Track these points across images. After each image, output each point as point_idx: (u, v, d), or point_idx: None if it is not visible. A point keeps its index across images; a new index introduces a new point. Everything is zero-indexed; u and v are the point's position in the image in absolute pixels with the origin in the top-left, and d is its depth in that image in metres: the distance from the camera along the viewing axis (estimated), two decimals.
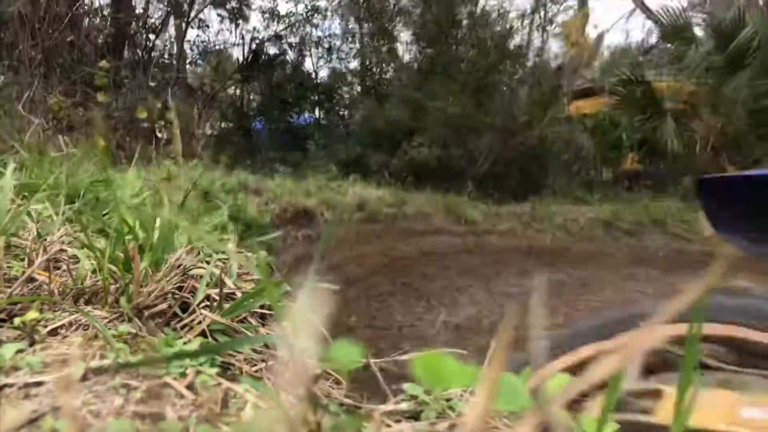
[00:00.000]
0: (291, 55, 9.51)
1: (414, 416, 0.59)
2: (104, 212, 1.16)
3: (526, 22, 9.00)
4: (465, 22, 8.32)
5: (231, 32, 9.11)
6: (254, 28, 9.00)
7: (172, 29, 9.31)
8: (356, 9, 8.95)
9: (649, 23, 9.39)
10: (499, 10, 8.72)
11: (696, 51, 7.82)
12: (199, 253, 1.01)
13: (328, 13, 9.11)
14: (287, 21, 8.92)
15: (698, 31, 8.72)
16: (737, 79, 7.29)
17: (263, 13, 8.87)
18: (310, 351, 0.41)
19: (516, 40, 8.89)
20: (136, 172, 1.39)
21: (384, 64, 8.77)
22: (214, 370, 0.59)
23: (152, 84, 6.52)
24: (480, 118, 7.94)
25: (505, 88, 8.26)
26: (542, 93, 8.02)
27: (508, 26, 8.41)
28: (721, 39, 7.29)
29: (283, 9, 8.89)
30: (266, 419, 0.43)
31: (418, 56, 8.78)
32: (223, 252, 1.05)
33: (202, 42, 8.89)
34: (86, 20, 6.33)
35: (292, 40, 9.31)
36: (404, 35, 9.24)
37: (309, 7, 8.91)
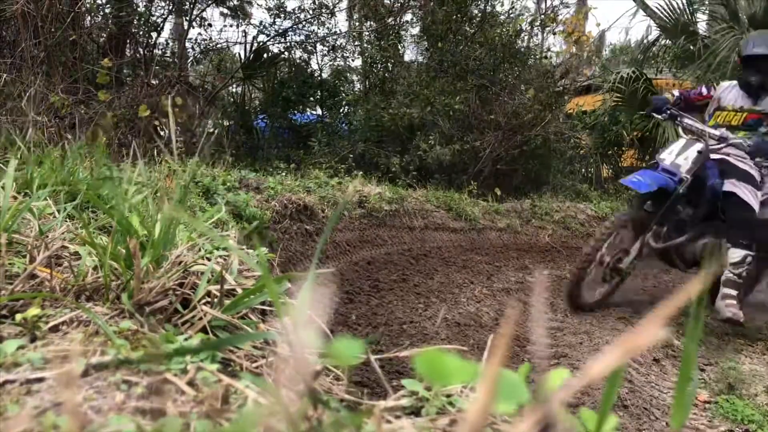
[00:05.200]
0: (297, 53, 9.46)
1: (414, 412, 0.59)
2: (105, 209, 1.17)
3: (531, 20, 8.97)
4: (476, 20, 8.32)
5: (235, 27, 9.10)
6: (261, 22, 8.93)
7: (173, 27, 9.33)
8: (362, 6, 8.92)
9: (649, 21, 9.34)
10: (509, 10, 8.72)
11: (703, 49, 7.79)
12: (199, 249, 1.02)
13: (334, 11, 9.04)
14: (293, 18, 8.86)
15: (700, 27, 8.71)
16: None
17: (269, 9, 8.82)
18: (310, 347, 0.42)
19: (522, 39, 8.88)
20: (137, 169, 1.40)
21: (389, 63, 8.74)
22: (215, 367, 0.60)
23: (154, 82, 6.52)
24: (485, 116, 7.94)
25: (509, 88, 8.25)
26: (546, 92, 8.02)
27: (516, 26, 8.40)
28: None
29: (287, 6, 8.81)
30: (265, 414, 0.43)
31: (426, 53, 8.77)
32: (224, 248, 1.05)
33: (204, 40, 8.86)
34: (88, 18, 6.33)
35: (296, 38, 9.26)
36: (413, 30, 9.23)
37: (317, 4, 8.84)
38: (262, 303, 0.85)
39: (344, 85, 9.69)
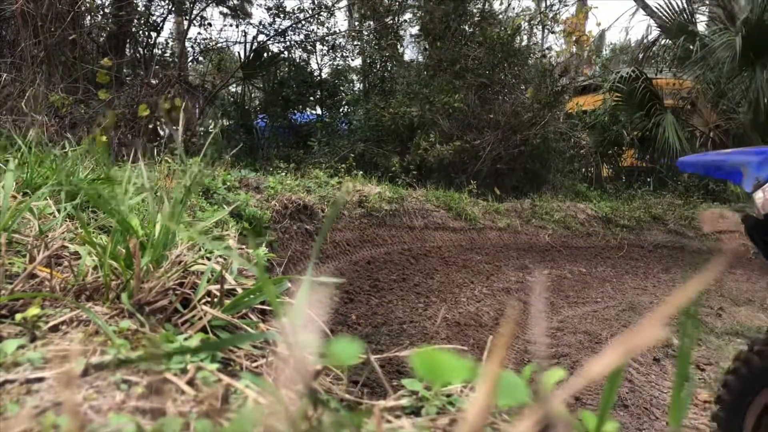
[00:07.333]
0: (297, 53, 9.45)
1: (414, 412, 0.59)
2: (105, 209, 1.17)
3: (533, 21, 8.95)
4: (476, 18, 8.31)
5: (235, 27, 9.09)
6: (260, 22, 8.92)
7: (174, 27, 9.33)
8: (361, 5, 8.91)
9: (649, 20, 9.36)
10: (506, 8, 8.71)
11: (701, 48, 7.79)
12: (199, 249, 1.02)
13: (334, 10, 9.04)
14: (293, 18, 8.84)
15: (701, 27, 8.70)
16: (756, 75, 7.25)
17: (268, 9, 8.81)
18: (309, 347, 0.42)
19: (521, 38, 8.87)
20: (137, 168, 1.40)
21: (388, 62, 8.74)
22: (215, 366, 0.60)
23: (154, 81, 6.52)
24: (484, 115, 7.94)
25: (508, 86, 8.25)
26: (546, 91, 8.01)
27: (515, 25, 8.39)
28: (748, 34, 7.23)
29: (287, 6, 8.80)
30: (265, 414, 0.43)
31: (425, 52, 8.77)
32: (224, 248, 1.05)
33: (204, 39, 8.86)
34: (88, 18, 6.33)
35: (296, 37, 9.26)
36: (411, 30, 9.23)
37: (316, 4, 8.83)
38: (262, 302, 0.85)
39: (344, 84, 9.69)
